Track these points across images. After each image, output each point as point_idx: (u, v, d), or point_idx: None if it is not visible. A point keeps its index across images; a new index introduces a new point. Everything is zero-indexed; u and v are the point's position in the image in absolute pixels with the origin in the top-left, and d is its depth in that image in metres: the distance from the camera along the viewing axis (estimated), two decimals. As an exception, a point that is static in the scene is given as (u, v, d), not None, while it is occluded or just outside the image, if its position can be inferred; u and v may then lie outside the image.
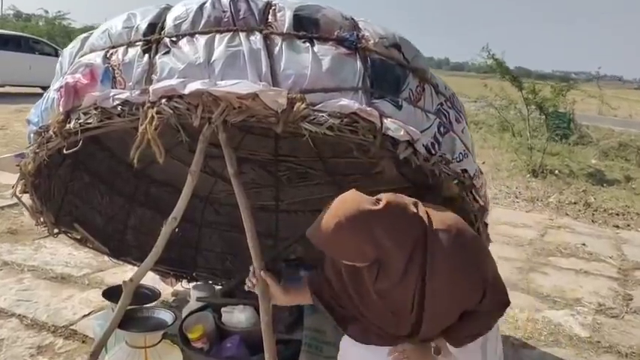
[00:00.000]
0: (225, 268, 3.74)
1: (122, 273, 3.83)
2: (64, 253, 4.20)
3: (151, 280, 3.71)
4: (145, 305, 2.55)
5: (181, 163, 3.18)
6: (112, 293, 2.69)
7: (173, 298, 3.58)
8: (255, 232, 2.06)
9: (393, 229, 1.67)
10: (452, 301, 1.74)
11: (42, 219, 2.83)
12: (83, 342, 2.96)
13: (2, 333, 2.97)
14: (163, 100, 1.92)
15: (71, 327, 3.10)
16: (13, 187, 2.55)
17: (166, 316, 2.47)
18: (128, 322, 2.40)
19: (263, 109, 1.85)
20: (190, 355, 2.43)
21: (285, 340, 2.53)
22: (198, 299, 2.69)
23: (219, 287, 3.22)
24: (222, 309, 2.56)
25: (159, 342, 2.40)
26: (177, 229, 3.77)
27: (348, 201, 1.71)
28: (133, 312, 2.46)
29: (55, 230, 2.94)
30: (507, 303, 1.86)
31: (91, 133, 2.13)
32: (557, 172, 9.08)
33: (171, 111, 1.90)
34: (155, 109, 1.91)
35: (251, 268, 2.04)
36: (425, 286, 1.69)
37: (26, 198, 2.65)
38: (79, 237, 3.11)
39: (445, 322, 1.81)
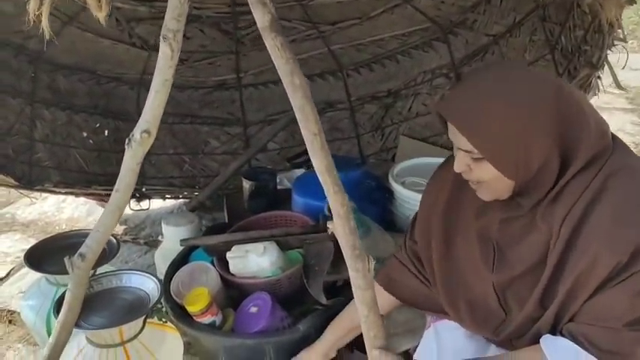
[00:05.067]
0: (184, 173, 2.83)
1: (42, 201, 2.78)
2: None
3: (86, 210, 2.70)
4: (102, 270, 1.57)
5: (94, 34, 2.20)
6: (41, 254, 1.69)
7: (124, 227, 2.59)
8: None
9: None
10: None
11: None
12: (10, 322, 1.99)
13: None
14: None
15: (-14, 304, 2.09)
16: None
17: (144, 283, 1.52)
18: (84, 305, 1.44)
19: None
20: (196, 336, 1.53)
21: (330, 284, 1.67)
22: (183, 242, 1.72)
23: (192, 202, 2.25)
24: (228, 254, 1.62)
25: (142, 329, 1.47)
26: (106, 132, 2.77)
27: None
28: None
29: None
30: None
31: None
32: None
33: None
34: None
35: None
36: None
37: None
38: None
39: None
